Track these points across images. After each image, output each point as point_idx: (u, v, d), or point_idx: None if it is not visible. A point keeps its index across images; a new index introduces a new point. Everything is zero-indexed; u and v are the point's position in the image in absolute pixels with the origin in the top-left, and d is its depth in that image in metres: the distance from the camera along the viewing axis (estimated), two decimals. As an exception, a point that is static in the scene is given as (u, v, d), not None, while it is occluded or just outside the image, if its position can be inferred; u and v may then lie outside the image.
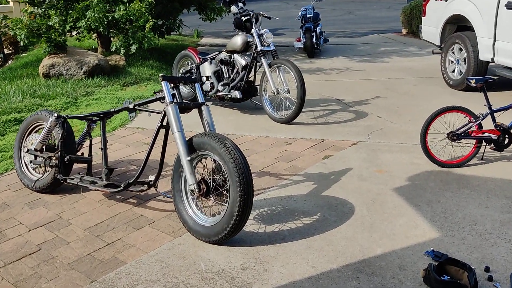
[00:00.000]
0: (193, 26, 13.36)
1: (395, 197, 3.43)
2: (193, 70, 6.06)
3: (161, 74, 3.00)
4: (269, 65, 5.27)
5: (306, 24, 9.69)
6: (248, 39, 5.46)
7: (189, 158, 2.84)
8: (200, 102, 3.16)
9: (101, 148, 3.48)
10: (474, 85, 3.82)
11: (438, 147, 4.03)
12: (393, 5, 20.44)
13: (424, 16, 7.44)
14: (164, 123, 3.10)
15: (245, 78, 5.49)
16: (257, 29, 5.36)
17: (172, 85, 3.10)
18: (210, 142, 2.77)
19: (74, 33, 8.63)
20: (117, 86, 7.03)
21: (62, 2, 7.72)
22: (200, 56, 5.99)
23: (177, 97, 3.09)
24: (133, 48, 7.52)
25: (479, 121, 3.84)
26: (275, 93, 5.24)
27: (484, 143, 3.90)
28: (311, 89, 6.72)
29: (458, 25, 6.86)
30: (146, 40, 7.47)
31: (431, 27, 7.22)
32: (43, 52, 7.47)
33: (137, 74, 7.66)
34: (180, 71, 6.32)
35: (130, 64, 8.10)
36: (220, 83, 5.61)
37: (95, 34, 8.71)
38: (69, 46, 8.64)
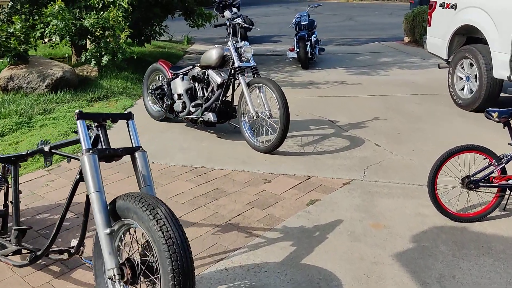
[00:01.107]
0: (185, 32, 12.57)
1: (395, 268, 2.63)
2: (164, 87, 5.26)
3: (77, 111, 2.19)
4: (248, 84, 4.48)
5: (300, 32, 8.90)
6: (225, 53, 4.67)
7: (108, 230, 2.03)
8: (133, 146, 2.35)
9: (11, 202, 2.67)
10: (497, 119, 3.02)
11: (451, 196, 3.22)
12: (395, 11, 19.70)
13: (429, 25, 6.65)
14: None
15: (221, 97, 4.69)
16: (234, 42, 4.57)
17: (96, 123, 2.30)
18: (137, 210, 1.97)
19: (46, 40, 7.87)
20: (83, 101, 6.24)
21: (26, 6, 6.95)
22: (171, 71, 5.19)
23: (102, 140, 2.29)
24: (105, 59, 6.74)
25: (503, 164, 3.04)
26: (254, 117, 4.44)
27: (508, 191, 3.10)
28: (301, 108, 5.93)
29: (468, 37, 6.08)
30: (121, 51, 6.69)
31: (437, 38, 6.42)
32: (1, 62, 6.68)
33: (109, 87, 6.87)
34: (151, 87, 5.52)
35: (103, 75, 7.31)
36: (192, 104, 4.81)
37: (70, 41, 7.94)
38: (37, 55, 7.87)
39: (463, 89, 5.92)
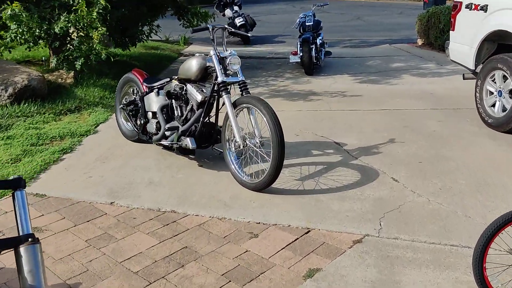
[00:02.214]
0: (182, 31, 11.68)
1: None
2: (137, 102, 4.39)
3: None
4: (234, 105, 3.59)
5: (305, 34, 7.98)
6: (207, 64, 3.79)
7: None
8: (20, 235, 1.46)
9: None
10: None
11: (503, 278, 2.33)
12: (405, 11, 18.75)
13: (453, 30, 5.72)
14: None
15: (202, 118, 3.81)
16: (217, 51, 3.67)
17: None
18: None
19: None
20: (50, 115, 5.36)
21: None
22: (146, 84, 4.31)
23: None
24: (78, 63, 5.89)
25: None
26: (241, 146, 3.55)
27: None
28: (302, 125, 5.04)
29: (500, 44, 5.16)
30: (94, 53, 5.83)
31: (463, 45, 5.49)
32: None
33: (84, 97, 6.00)
34: (123, 101, 4.65)
35: (79, 82, 6.44)
36: (166, 126, 3.92)
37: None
38: (8, 59, 7.04)
39: (493, 105, 5.00)
